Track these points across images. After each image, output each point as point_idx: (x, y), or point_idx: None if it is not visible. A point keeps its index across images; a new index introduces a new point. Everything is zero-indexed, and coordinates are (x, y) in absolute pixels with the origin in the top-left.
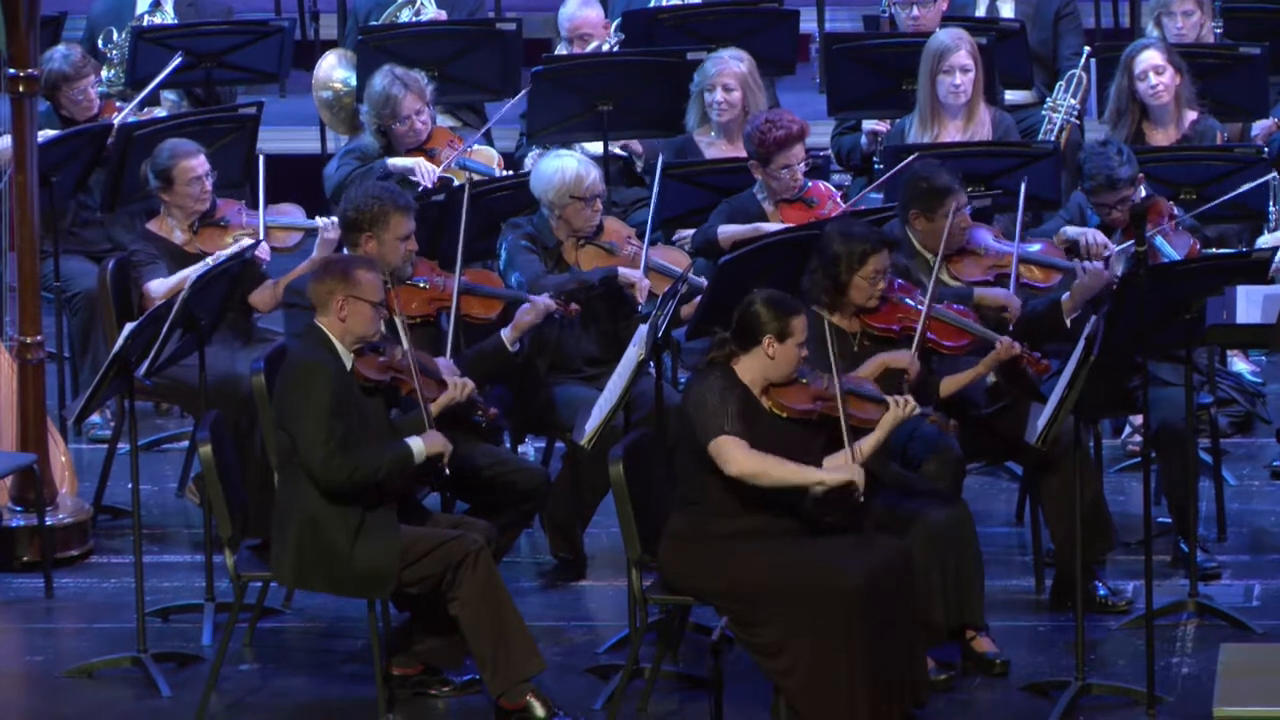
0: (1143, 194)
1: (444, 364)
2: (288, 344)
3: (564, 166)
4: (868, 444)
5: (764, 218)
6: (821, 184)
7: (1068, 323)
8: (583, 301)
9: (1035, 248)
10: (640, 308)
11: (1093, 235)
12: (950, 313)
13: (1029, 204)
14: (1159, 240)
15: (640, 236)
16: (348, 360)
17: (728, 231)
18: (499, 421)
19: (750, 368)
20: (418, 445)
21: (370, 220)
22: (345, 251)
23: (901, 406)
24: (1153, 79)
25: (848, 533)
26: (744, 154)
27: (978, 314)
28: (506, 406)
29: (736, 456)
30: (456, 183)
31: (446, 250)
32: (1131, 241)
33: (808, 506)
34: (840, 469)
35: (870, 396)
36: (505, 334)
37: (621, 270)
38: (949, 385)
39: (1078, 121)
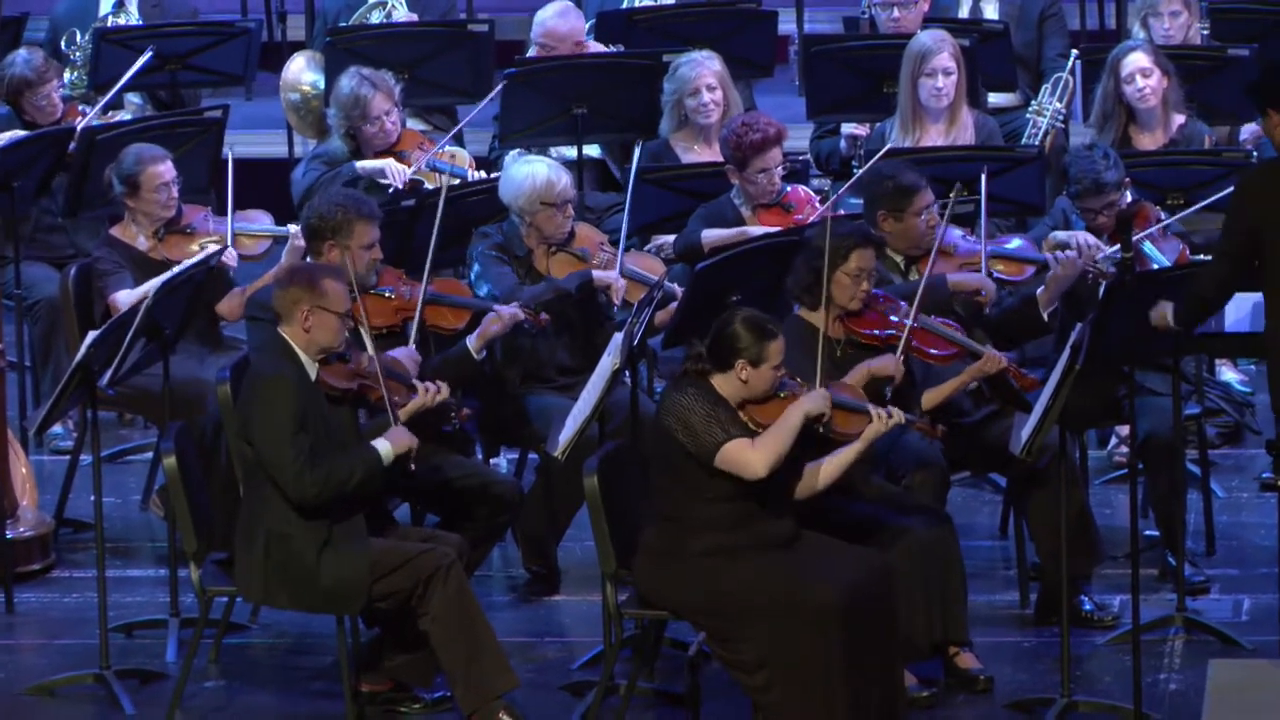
0: (1129, 199)
1: (406, 353)
2: (250, 356)
3: (534, 172)
4: (847, 455)
5: (741, 223)
6: (800, 188)
7: (1045, 316)
8: (556, 311)
9: (1013, 244)
10: (615, 314)
11: (1083, 237)
12: (936, 323)
13: (1013, 209)
14: (1147, 246)
15: (614, 243)
16: (312, 370)
17: (711, 236)
18: (470, 429)
19: (725, 385)
20: (384, 447)
21: (334, 228)
22: (309, 260)
23: (883, 420)
24: (1139, 82)
25: (829, 545)
26: (722, 159)
27: (953, 299)
28: (478, 417)
29: (752, 458)
30: (428, 186)
31: (417, 256)
32: (1118, 247)
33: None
34: (811, 395)
35: (852, 407)
36: (470, 341)
37: (596, 273)
38: (930, 398)
39: (1063, 125)
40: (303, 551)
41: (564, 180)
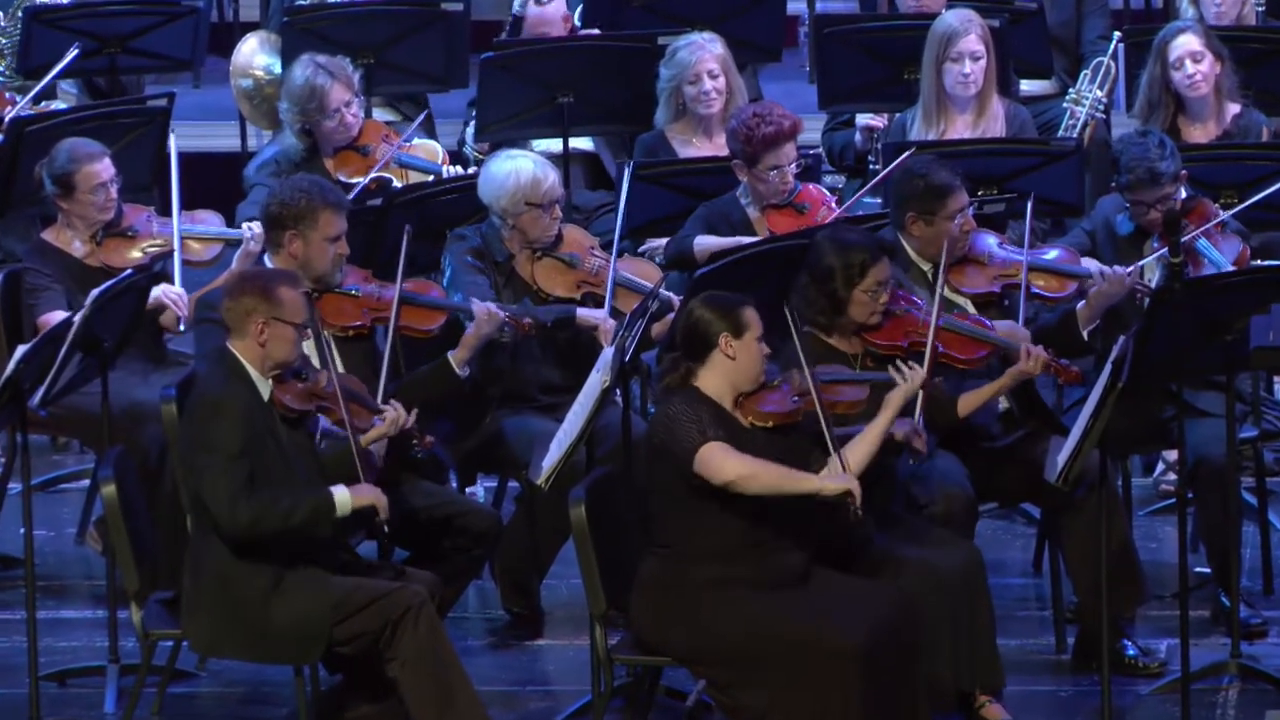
0: (1183, 195)
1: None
2: (198, 369)
3: (518, 169)
4: (869, 438)
5: (748, 225)
6: (813, 187)
7: (1084, 334)
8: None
9: (1051, 254)
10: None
11: (1109, 271)
12: (963, 322)
13: (1048, 210)
14: (1203, 245)
15: (606, 247)
16: (265, 389)
17: (705, 243)
18: (437, 452)
19: (713, 380)
20: (342, 497)
21: (296, 216)
22: (267, 254)
23: (908, 376)
24: (1189, 67)
25: (845, 581)
26: (725, 152)
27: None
28: (450, 441)
29: (724, 462)
30: (396, 183)
31: (383, 262)
32: (1163, 251)
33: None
34: (838, 477)
35: (849, 379)
36: (452, 356)
37: (580, 313)
38: (967, 403)
39: (1104, 116)
40: (248, 596)
41: (551, 178)
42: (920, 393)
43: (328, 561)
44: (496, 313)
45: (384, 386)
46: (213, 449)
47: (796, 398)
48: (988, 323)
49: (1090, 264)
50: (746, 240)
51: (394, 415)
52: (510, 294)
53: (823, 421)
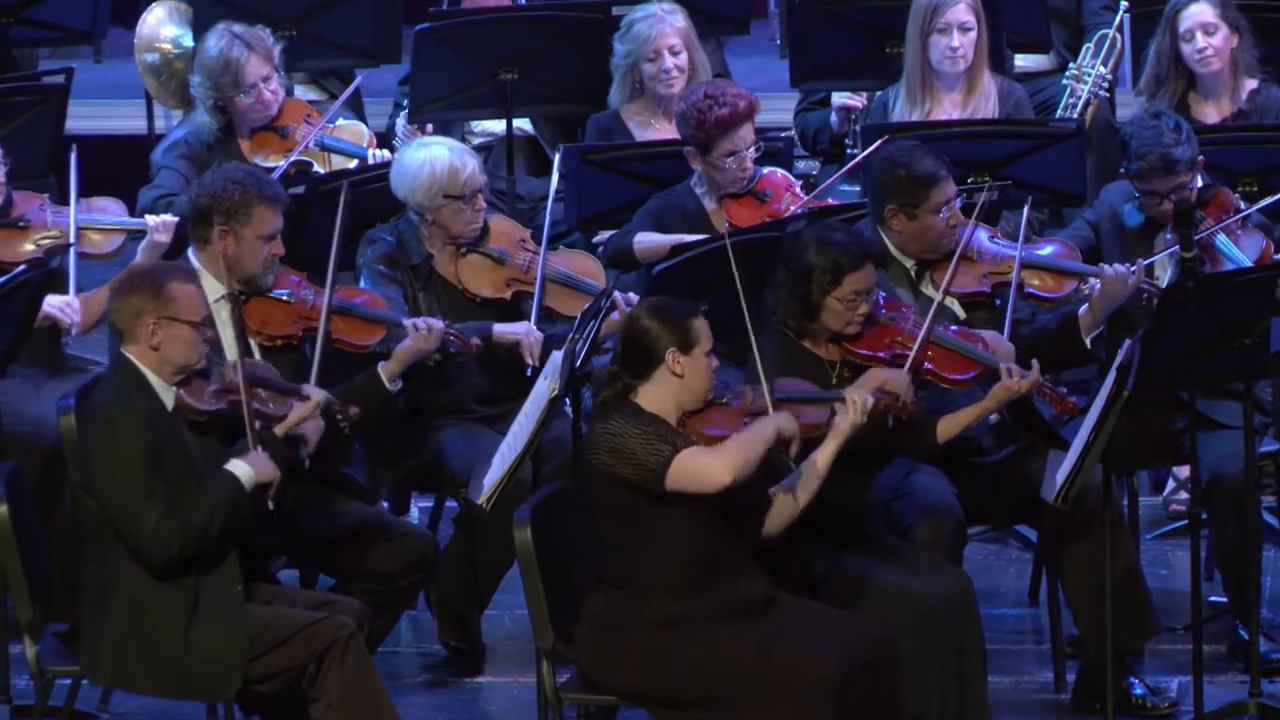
0: (1199, 183)
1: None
2: (102, 376)
3: (432, 158)
4: (821, 456)
5: (704, 218)
6: (776, 172)
7: (1087, 341)
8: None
9: (1047, 249)
10: (551, 332)
11: (1109, 269)
12: (953, 336)
13: (1046, 199)
14: (1222, 240)
15: (539, 240)
16: (168, 397)
17: (648, 242)
18: (355, 474)
19: (655, 396)
20: (242, 469)
21: (228, 210)
22: (191, 250)
23: (855, 407)
24: (1201, 40)
25: (813, 608)
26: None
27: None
28: (381, 457)
29: (713, 464)
30: (319, 169)
31: (305, 258)
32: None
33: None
34: (782, 415)
35: (810, 398)
36: (382, 368)
37: (497, 329)
38: (948, 426)
39: (1107, 94)
40: (163, 622)
41: (470, 166)
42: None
43: (246, 588)
44: (440, 329)
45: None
46: (125, 470)
47: (747, 419)
48: (981, 335)
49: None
50: (688, 238)
51: (314, 395)
52: (431, 298)
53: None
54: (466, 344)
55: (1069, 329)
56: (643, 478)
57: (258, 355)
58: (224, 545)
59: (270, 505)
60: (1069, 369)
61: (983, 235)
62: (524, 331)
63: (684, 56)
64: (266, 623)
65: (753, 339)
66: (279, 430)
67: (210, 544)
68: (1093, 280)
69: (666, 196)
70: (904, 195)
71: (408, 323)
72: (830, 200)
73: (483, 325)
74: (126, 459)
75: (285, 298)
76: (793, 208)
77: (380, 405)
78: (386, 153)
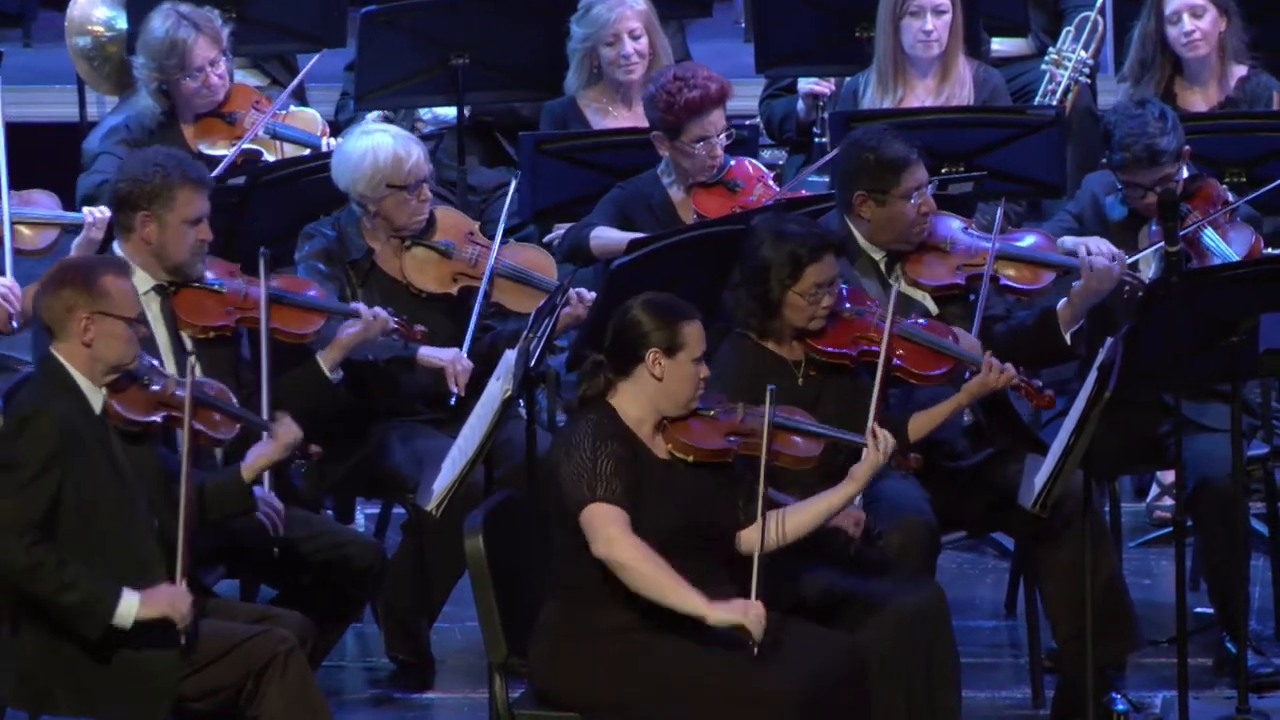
0: (1185, 174)
1: None
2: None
3: (375, 146)
4: (835, 499)
5: (670, 208)
6: (747, 162)
7: (1066, 337)
8: (424, 319)
9: (1027, 240)
10: (495, 332)
11: (1097, 244)
12: (923, 330)
13: (1026, 190)
14: (1209, 235)
15: (490, 235)
16: (96, 399)
17: (606, 238)
18: (295, 478)
19: (634, 399)
20: (128, 605)
21: (150, 195)
22: (117, 241)
23: (873, 452)
24: (1188, 22)
25: (781, 621)
26: (646, 123)
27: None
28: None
29: (608, 532)
30: (268, 157)
31: (250, 251)
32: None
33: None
34: (732, 607)
35: (808, 430)
36: (321, 357)
37: (422, 353)
38: (919, 425)
39: (1088, 80)
40: (89, 640)
41: (415, 155)
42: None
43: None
44: (385, 318)
45: (265, 401)
46: (7, 468)
47: (733, 437)
48: (952, 331)
49: (1066, 241)
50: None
51: (282, 434)
52: (372, 294)
53: (762, 476)
54: (411, 333)
55: (1048, 324)
56: (564, 501)
57: (189, 349)
58: (153, 553)
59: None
60: (1048, 366)
61: (956, 225)
62: (450, 359)
63: (644, 41)
64: (202, 638)
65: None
66: (246, 476)
67: (43, 602)
68: (1081, 260)
69: (631, 185)
70: (873, 180)
71: (356, 308)
72: (804, 192)
73: (407, 350)
74: (21, 458)
75: (218, 287)
76: (765, 200)
77: (320, 396)
78: (337, 140)
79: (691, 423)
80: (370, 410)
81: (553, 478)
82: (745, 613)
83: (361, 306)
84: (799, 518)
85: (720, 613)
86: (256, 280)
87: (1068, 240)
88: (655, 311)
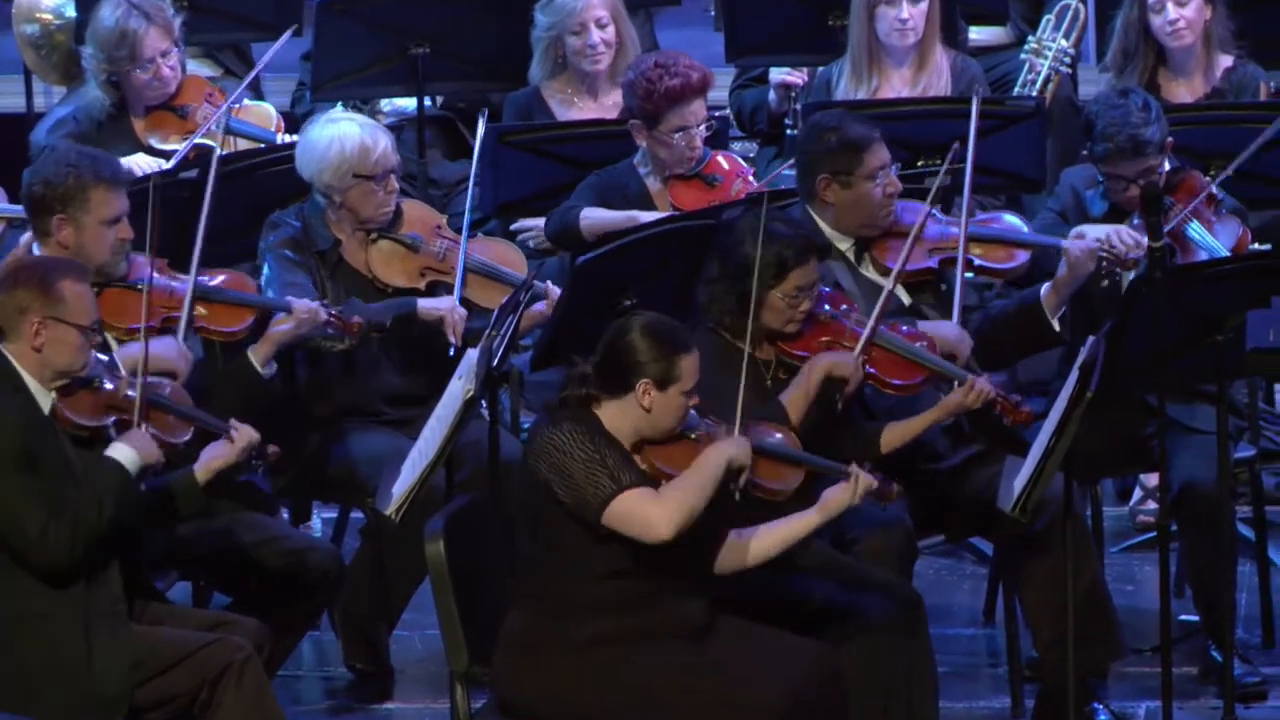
0: (1167, 167)
1: (168, 344)
2: None
3: (341, 135)
4: (794, 527)
5: (646, 199)
6: (727, 155)
7: (1054, 323)
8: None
9: (1005, 219)
10: (468, 326)
11: (1119, 235)
12: (899, 338)
13: (1004, 183)
14: (1195, 228)
15: (457, 228)
16: (45, 401)
17: (597, 218)
18: (259, 482)
19: (617, 418)
20: (125, 453)
21: (64, 197)
22: (36, 244)
23: (851, 486)
24: (1172, 10)
25: (756, 631)
26: (613, 114)
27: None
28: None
29: (654, 513)
30: (221, 152)
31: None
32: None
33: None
34: (734, 440)
35: (789, 457)
36: (252, 352)
37: (422, 305)
38: (892, 437)
39: (1069, 70)
40: (31, 646)
41: (382, 144)
42: (844, 390)
43: (131, 607)
44: (318, 311)
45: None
46: (5, 473)
47: None
48: (931, 335)
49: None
50: (645, 216)
51: (239, 437)
52: (339, 287)
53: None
54: (346, 325)
55: (1032, 311)
56: (578, 506)
57: (115, 350)
58: (104, 556)
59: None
60: (1032, 354)
61: (925, 209)
62: (448, 307)
63: (611, 30)
64: (154, 644)
65: (743, 379)
66: (200, 476)
67: (107, 539)
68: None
69: (607, 174)
70: (836, 162)
71: (287, 302)
72: (782, 186)
73: (405, 301)
74: (9, 459)
75: (140, 288)
76: (743, 195)
77: (251, 391)
78: (293, 136)
79: (671, 447)
80: (328, 409)
81: (529, 484)
82: (741, 446)
83: (293, 300)
84: (763, 542)
85: (723, 448)
86: (182, 276)
87: (1089, 228)
88: (654, 340)
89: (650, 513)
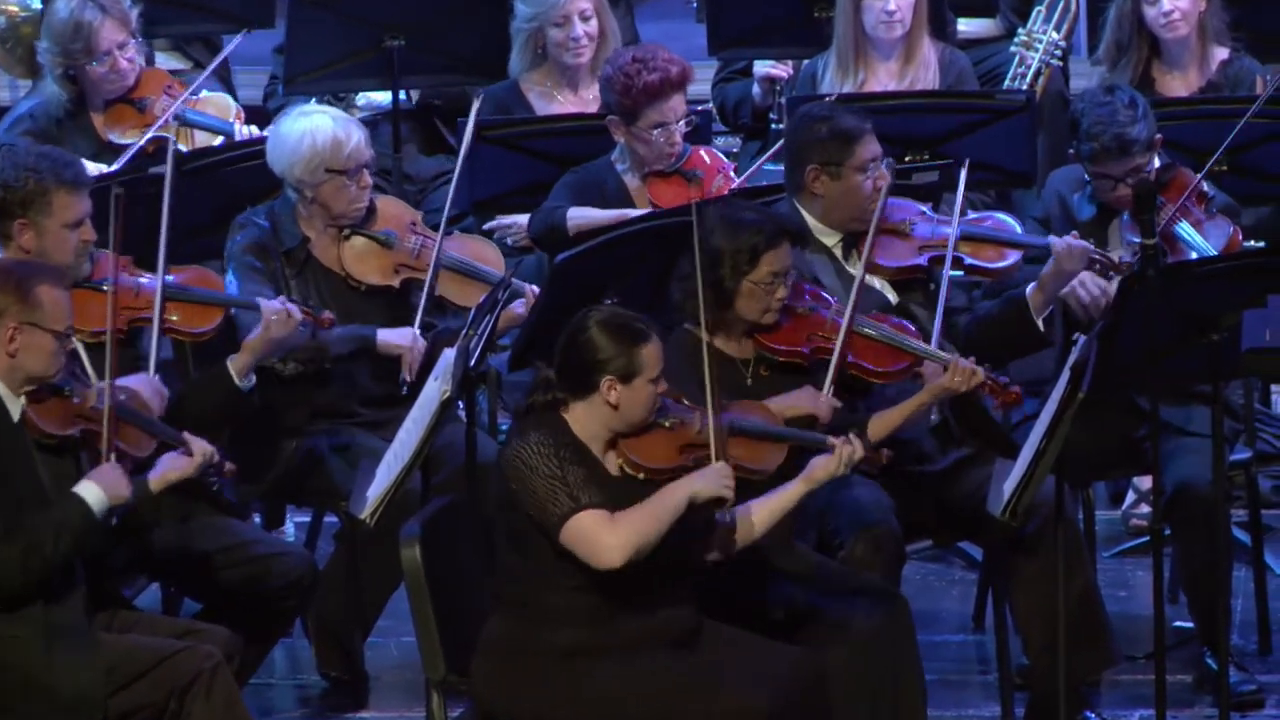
0: (1157, 164)
1: (142, 381)
2: None
3: (314, 129)
4: (783, 499)
5: (625, 196)
6: (706, 151)
7: (1039, 323)
8: (356, 313)
9: (996, 217)
10: (438, 330)
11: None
12: (881, 325)
13: (996, 179)
14: (1185, 227)
15: (434, 225)
16: (14, 407)
17: (581, 217)
18: (226, 488)
19: (585, 418)
20: (92, 492)
21: (24, 201)
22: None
23: (837, 456)
24: (1166, 2)
25: (742, 638)
26: (594, 108)
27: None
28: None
29: (607, 541)
30: (180, 147)
31: (173, 243)
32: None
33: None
34: (707, 472)
35: (769, 434)
36: (231, 363)
37: (381, 336)
38: (878, 426)
39: (1060, 63)
40: (27, 654)
41: (356, 138)
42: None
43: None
44: (293, 313)
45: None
46: None
47: (690, 451)
48: (910, 326)
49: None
50: (631, 213)
51: (197, 449)
52: (307, 285)
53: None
54: (319, 319)
55: (1018, 310)
56: (541, 521)
57: (83, 354)
58: (70, 564)
59: (114, 520)
60: (1020, 356)
61: (916, 207)
62: (409, 343)
63: (594, 23)
64: (121, 653)
65: (707, 365)
66: (154, 486)
67: (55, 575)
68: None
69: (584, 172)
70: (826, 153)
71: (256, 302)
72: (764, 182)
73: (363, 332)
74: None
75: (105, 287)
76: (725, 192)
77: (227, 402)
78: (254, 128)
79: (645, 438)
80: (302, 410)
81: (506, 495)
82: (720, 479)
83: (262, 300)
84: (750, 520)
85: (702, 484)
86: (147, 275)
87: (1056, 240)
88: (611, 335)
89: (602, 539)
